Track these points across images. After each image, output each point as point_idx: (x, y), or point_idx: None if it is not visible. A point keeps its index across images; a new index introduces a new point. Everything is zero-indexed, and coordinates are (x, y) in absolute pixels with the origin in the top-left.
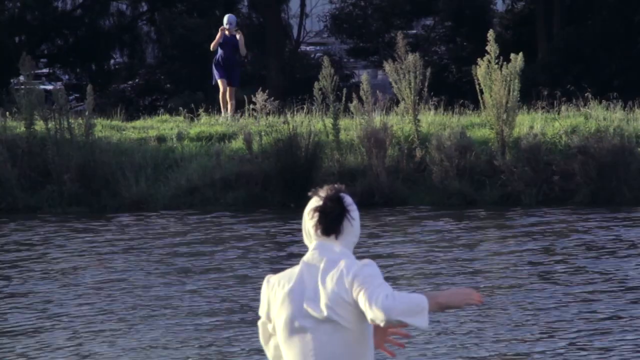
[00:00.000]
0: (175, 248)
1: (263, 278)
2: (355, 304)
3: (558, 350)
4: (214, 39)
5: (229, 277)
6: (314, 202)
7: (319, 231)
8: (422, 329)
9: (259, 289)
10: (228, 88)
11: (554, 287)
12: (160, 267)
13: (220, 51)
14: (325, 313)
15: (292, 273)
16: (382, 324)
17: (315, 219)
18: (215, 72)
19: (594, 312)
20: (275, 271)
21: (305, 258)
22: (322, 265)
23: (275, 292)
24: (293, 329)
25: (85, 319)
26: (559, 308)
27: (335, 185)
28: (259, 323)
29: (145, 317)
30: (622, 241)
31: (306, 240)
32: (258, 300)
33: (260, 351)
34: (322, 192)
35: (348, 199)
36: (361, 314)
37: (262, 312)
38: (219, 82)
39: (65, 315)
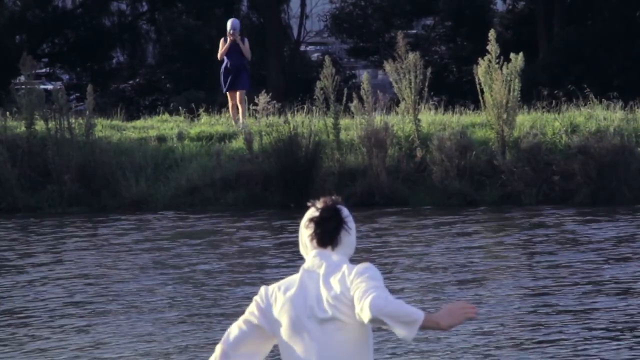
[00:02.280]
0: (156, 246)
1: (230, 274)
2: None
3: (505, 342)
4: (214, 39)
5: (194, 273)
6: (311, 213)
7: (314, 242)
8: (405, 340)
9: (229, 286)
10: (238, 93)
11: (522, 282)
12: (136, 265)
13: (226, 59)
14: (329, 313)
15: (292, 280)
16: (365, 320)
17: (312, 229)
18: (223, 83)
19: (553, 305)
20: (252, 267)
21: (305, 265)
22: (322, 271)
23: (275, 297)
24: (295, 331)
25: (43, 313)
26: (520, 300)
27: (333, 197)
28: (232, 325)
29: (102, 313)
30: (600, 238)
31: (302, 251)
32: (225, 296)
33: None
34: (319, 204)
35: (345, 211)
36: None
37: (247, 316)
38: (228, 94)
39: (19, 311)
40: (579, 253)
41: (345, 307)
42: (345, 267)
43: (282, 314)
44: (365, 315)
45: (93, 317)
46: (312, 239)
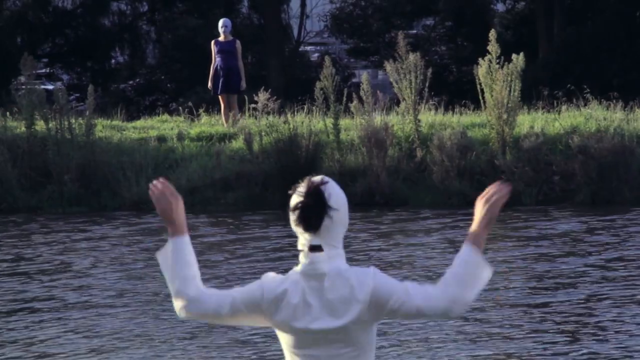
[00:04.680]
0: (132, 243)
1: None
2: (370, 316)
3: (453, 335)
4: (214, 39)
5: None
6: (294, 199)
7: (300, 228)
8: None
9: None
10: (228, 97)
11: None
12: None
13: (218, 59)
14: (335, 324)
15: (288, 283)
16: (450, 315)
17: (295, 216)
18: (214, 86)
19: (504, 299)
20: (210, 263)
21: (300, 270)
22: (325, 281)
23: (270, 299)
24: (299, 340)
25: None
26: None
27: (314, 179)
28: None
29: (53, 309)
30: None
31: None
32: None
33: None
34: (302, 188)
35: (328, 191)
36: (370, 328)
37: (239, 301)
38: (220, 97)
39: None
40: (548, 248)
41: (352, 320)
42: (347, 270)
43: (284, 320)
44: (451, 311)
45: (44, 313)
46: (297, 225)
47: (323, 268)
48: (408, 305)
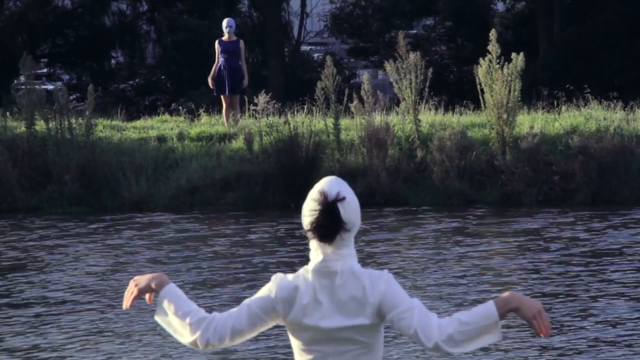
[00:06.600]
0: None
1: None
2: (377, 319)
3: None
4: (215, 40)
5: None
6: (309, 212)
7: (315, 239)
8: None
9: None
10: (231, 97)
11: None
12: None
13: (221, 59)
14: (345, 324)
15: (299, 281)
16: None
17: (310, 230)
18: (216, 86)
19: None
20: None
21: (311, 268)
22: (337, 279)
23: (283, 297)
24: (310, 341)
25: None
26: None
27: (329, 193)
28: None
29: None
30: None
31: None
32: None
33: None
34: (317, 204)
35: (345, 208)
36: (378, 328)
37: (255, 307)
38: (222, 97)
39: None
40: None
41: (361, 321)
42: (360, 271)
43: (296, 318)
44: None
45: (8, 308)
46: (312, 236)
47: (335, 266)
48: (406, 323)
